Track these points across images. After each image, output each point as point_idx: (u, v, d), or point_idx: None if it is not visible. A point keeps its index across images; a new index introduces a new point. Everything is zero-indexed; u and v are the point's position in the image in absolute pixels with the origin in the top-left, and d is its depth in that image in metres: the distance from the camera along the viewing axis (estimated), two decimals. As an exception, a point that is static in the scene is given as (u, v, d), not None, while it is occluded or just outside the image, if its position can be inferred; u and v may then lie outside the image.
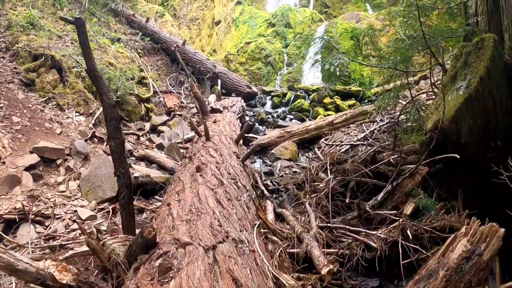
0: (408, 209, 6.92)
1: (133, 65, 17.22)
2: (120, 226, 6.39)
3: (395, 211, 7.20)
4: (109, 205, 8.36)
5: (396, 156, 8.34)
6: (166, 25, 26.69)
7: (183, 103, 17.45)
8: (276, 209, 7.74)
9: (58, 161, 9.53)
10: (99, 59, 15.60)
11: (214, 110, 12.18)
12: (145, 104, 15.85)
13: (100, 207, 8.41)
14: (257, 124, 15.04)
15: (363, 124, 13.03)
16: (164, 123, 13.80)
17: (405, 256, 6.00)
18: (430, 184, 7.38)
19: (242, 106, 15.14)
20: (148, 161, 10.16)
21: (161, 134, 12.03)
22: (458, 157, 6.24)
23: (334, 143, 11.30)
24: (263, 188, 8.58)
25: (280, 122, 15.25)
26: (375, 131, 11.37)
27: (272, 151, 11.23)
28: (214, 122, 9.40)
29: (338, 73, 23.57)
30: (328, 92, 17.71)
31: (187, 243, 4.39)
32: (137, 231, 4.87)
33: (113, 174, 6.02)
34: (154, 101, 16.92)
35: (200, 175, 6.62)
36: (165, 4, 35.19)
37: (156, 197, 8.73)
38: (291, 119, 16.77)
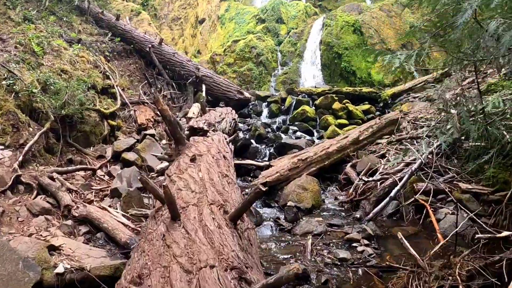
0: None
1: (95, 72, 13.29)
2: None
3: None
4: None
5: None
6: (143, 24, 22.79)
7: (159, 116, 13.56)
8: None
9: None
10: (49, 66, 11.76)
11: (196, 131, 8.35)
12: (110, 120, 12.01)
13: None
14: (253, 141, 11.20)
15: (402, 142, 9.30)
16: (130, 148, 9.97)
17: None
18: None
19: (234, 119, 11.33)
20: (92, 226, 6.22)
21: (119, 172, 8.06)
22: None
23: (372, 178, 7.54)
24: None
25: (284, 138, 11.46)
26: (430, 155, 7.58)
27: (285, 191, 7.39)
28: (193, 160, 5.53)
29: (340, 71, 19.89)
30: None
31: None
32: None
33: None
34: (123, 115, 13.04)
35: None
36: (145, 4, 31.25)
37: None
38: (294, 132, 12.97)
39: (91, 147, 11.00)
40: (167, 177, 5.70)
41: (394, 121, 11.37)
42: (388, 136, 10.89)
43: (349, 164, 8.96)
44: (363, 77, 19.46)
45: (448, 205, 6.72)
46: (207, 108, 10.99)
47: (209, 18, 29.20)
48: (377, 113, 14.82)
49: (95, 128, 11.37)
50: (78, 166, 8.90)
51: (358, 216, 7.04)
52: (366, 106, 14.68)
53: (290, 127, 13.19)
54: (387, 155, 9.12)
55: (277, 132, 12.51)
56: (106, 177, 9.33)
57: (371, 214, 6.82)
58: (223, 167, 5.67)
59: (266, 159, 10.57)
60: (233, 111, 12.03)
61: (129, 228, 6.20)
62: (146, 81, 16.03)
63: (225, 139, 8.02)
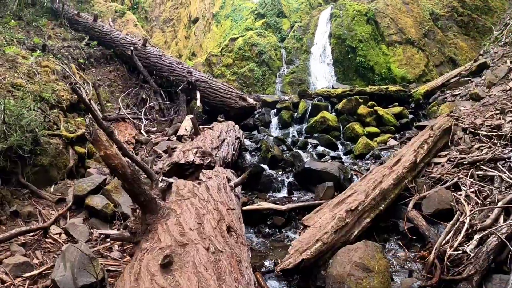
0: None
1: (61, 84, 10.38)
2: None
3: None
4: None
5: None
6: (128, 26, 19.80)
7: (143, 135, 10.58)
8: None
9: None
10: (-4, 80, 8.93)
11: (183, 167, 5.36)
12: (77, 147, 9.09)
13: None
14: (267, 168, 8.21)
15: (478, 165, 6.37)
16: (98, 189, 7.06)
17: None
18: None
19: (238, 138, 8.37)
20: None
21: (63, 248, 5.04)
22: None
23: (467, 247, 4.59)
24: None
25: (307, 160, 8.37)
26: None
27: (333, 271, 4.29)
28: (167, 265, 2.59)
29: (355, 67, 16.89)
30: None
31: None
32: None
33: None
34: (97, 137, 10.00)
35: None
36: (135, 7, 28.38)
37: None
38: (315, 146, 10.01)
39: (53, 185, 8.08)
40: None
41: (447, 130, 8.45)
42: (445, 152, 7.96)
43: (411, 203, 5.99)
44: (383, 72, 16.47)
45: None
46: (201, 127, 7.91)
47: (203, 17, 26.38)
48: (410, 116, 11.87)
49: (57, 159, 8.44)
50: (17, 230, 5.88)
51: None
52: (397, 109, 11.70)
53: (309, 140, 10.21)
54: (461, 186, 6.14)
55: (294, 150, 9.50)
56: (63, 236, 6.41)
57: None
58: (228, 278, 2.72)
59: (285, 191, 7.60)
60: (236, 127, 9.03)
61: None
62: (130, 91, 13.06)
63: (228, 180, 5.06)
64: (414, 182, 6.65)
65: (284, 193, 7.59)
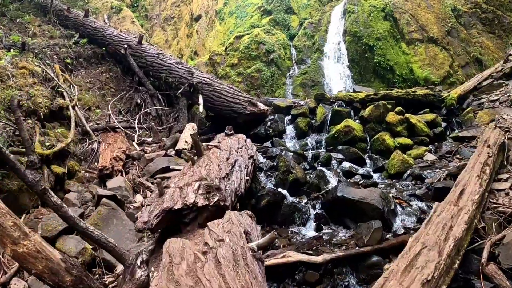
0: None
1: (39, 89, 8.76)
2: None
3: None
4: None
5: None
6: (125, 23, 18.15)
7: (135, 148, 8.88)
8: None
9: None
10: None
11: (181, 215, 3.72)
12: (54, 165, 7.46)
13: None
14: (287, 194, 6.52)
15: None
16: (69, 230, 5.38)
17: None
18: None
19: (251, 157, 6.64)
20: None
21: None
22: None
23: None
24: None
25: (340, 186, 6.39)
26: None
27: None
28: None
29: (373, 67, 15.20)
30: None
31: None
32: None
33: None
34: (81, 151, 8.47)
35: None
36: (135, 5, 26.91)
37: None
38: (339, 162, 8.33)
39: (23, 215, 6.45)
40: None
41: (502, 146, 6.80)
42: (505, 175, 6.31)
43: (484, 252, 4.36)
44: (404, 74, 14.75)
45: None
46: (203, 145, 6.06)
47: (206, 14, 24.69)
48: (443, 124, 10.20)
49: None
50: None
51: None
52: (429, 116, 10.02)
53: (332, 154, 8.50)
54: None
55: (317, 167, 7.80)
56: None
57: None
58: None
59: (311, 226, 5.92)
60: (249, 142, 7.30)
61: None
62: (123, 94, 11.41)
63: (246, 235, 3.39)
64: (481, 219, 5.00)
65: (310, 228, 5.93)
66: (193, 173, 4.58)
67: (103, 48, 12.43)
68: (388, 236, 5.34)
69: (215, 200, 4.05)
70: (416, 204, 6.24)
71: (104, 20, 15.58)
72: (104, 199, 5.77)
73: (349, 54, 15.57)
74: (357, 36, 15.59)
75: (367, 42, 15.30)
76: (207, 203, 3.97)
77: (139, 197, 6.66)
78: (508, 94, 10.67)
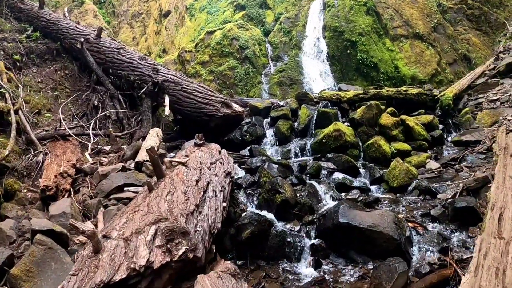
0: None
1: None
2: None
3: None
4: None
5: None
6: (87, 17, 16.58)
7: (88, 160, 7.38)
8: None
9: None
10: None
11: (128, 285, 2.34)
12: (-17, 184, 5.92)
13: None
14: (275, 219, 5.18)
15: None
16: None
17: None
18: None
19: (228, 173, 5.26)
20: None
21: None
22: None
23: None
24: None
25: (341, 209, 4.91)
26: None
27: None
28: None
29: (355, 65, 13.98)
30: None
31: None
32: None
33: None
34: (24, 165, 6.95)
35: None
36: (102, 1, 25.29)
37: None
38: (330, 172, 7.05)
39: None
40: None
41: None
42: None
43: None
44: (389, 71, 13.63)
45: None
46: (166, 162, 4.59)
47: (176, 10, 23.19)
48: (441, 126, 9.05)
49: None
50: None
51: None
52: (425, 118, 8.86)
53: (321, 163, 7.20)
54: None
55: (307, 180, 6.47)
56: None
57: None
58: None
59: (307, 261, 4.62)
60: (224, 153, 5.90)
61: None
62: (79, 95, 9.90)
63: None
64: None
65: (306, 263, 4.61)
66: (148, 208, 3.21)
67: (58, 43, 10.88)
68: (410, 274, 4.07)
69: (181, 252, 2.71)
70: (432, 228, 5.00)
71: (64, 14, 13.95)
72: (38, 236, 4.33)
73: (330, 51, 14.35)
74: (337, 31, 14.39)
75: (349, 37, 14.11)
76: (168, 259, 2.62)
77: (89, 225, 5.24)
78: (509, 94, 9.66)
